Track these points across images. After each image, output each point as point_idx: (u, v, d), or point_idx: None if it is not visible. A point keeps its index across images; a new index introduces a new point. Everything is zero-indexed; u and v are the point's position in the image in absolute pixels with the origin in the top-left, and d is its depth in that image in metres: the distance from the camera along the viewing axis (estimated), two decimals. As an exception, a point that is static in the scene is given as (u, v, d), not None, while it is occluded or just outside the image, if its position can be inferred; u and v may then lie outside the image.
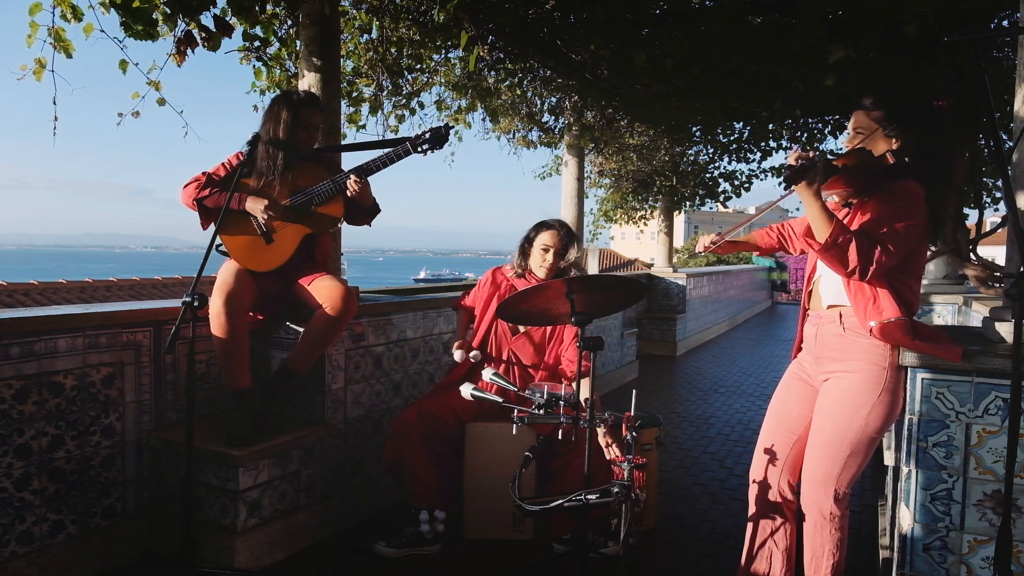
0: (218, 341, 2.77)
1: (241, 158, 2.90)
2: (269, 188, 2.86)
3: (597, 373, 2.30)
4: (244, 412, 2.80)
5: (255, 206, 2.81)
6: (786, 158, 1.92)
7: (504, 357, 3.09)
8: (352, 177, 2.84)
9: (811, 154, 1.87)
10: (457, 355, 3.01)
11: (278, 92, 2.95)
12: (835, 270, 1.97)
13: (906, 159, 2.00)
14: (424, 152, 2.85)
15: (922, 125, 2.01)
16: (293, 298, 2.97)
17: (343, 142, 3.92)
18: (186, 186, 2.89)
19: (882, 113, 2.05)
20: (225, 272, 2.82)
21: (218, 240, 2.80)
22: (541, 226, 3.04)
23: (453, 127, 2.85)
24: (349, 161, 3.42)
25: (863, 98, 2.10)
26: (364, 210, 3.04)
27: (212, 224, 2.90)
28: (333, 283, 2.88)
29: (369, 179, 2.90)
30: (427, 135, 2.83)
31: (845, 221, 2.05)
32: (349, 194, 2.86)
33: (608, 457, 2.48)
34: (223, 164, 2.94)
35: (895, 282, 1.99)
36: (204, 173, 2.90)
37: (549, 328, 3.08)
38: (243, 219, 2.86)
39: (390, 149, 2.87)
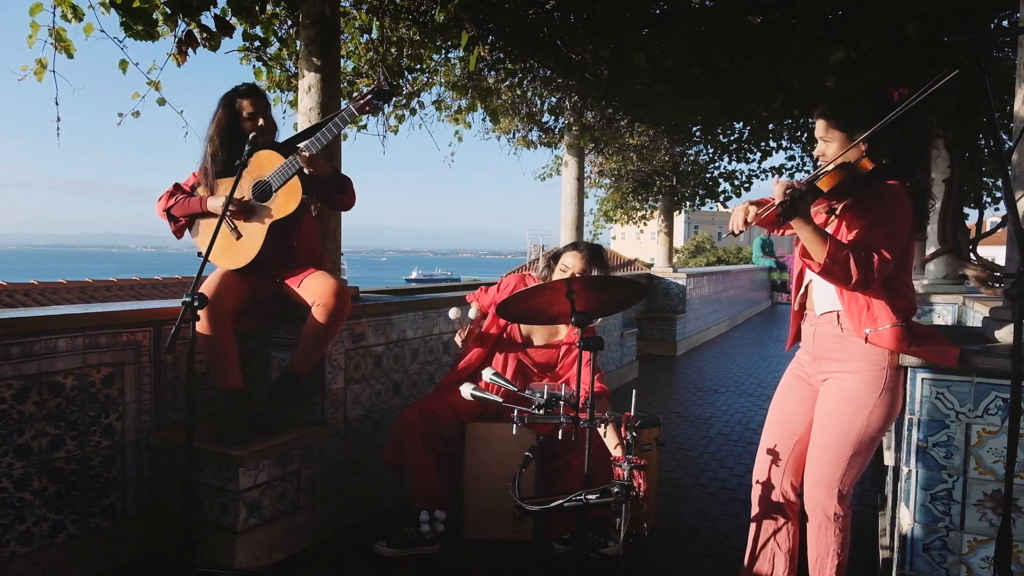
0: (203, 341, 2.77)
1: (207, 171, 2.91)
2: (220, 185, 2.89)
3: (599, 375, 2.30)
4: (237, 412, 2.80)
5: (215, 204, 2.84)
6: (773, 192, 1.92)
7: (511, 365, 3.08)
8: (301, 152, 2.78)
9: (796, 183, 1.89)
10: (452, 312, 2.98)
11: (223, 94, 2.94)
12: (837, 286, 1.97)
13: (883, 160, 1.99)
14: (372, 110, 2.82)
15: (877, 119, 1.97)
16: (287, 299, 2.97)
17: (344, 142, 3.91)
18: (159, 199, 2.96)
19: (840, 120, 2.03)
20: (212, 275, 2.86)
21: (200, 248, 2.87)
22: (571, 246, 3.06)
23: (398, 84, 2.82)
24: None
25: (821, 108, 2.08)
26: (329, 184, 2.96)
27: (187, 232, 2.97)
28: (324, 280, 2.87)
29: (354, 175, 2.95)
30: (368, 94, 2.80)
31: (831, 231, 2.05)
32: (306, 171, 2.81)
33: (613, 456, 2.48)
34: (194, 173, 2.98)
35: (893, 281, 1.99)
36: (174, 184, 2.95)
37: (562, 350, 3.08)
38: (212, 221, 2.84)
39: (334, 116, 2.82)
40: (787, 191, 1.86)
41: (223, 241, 2.89)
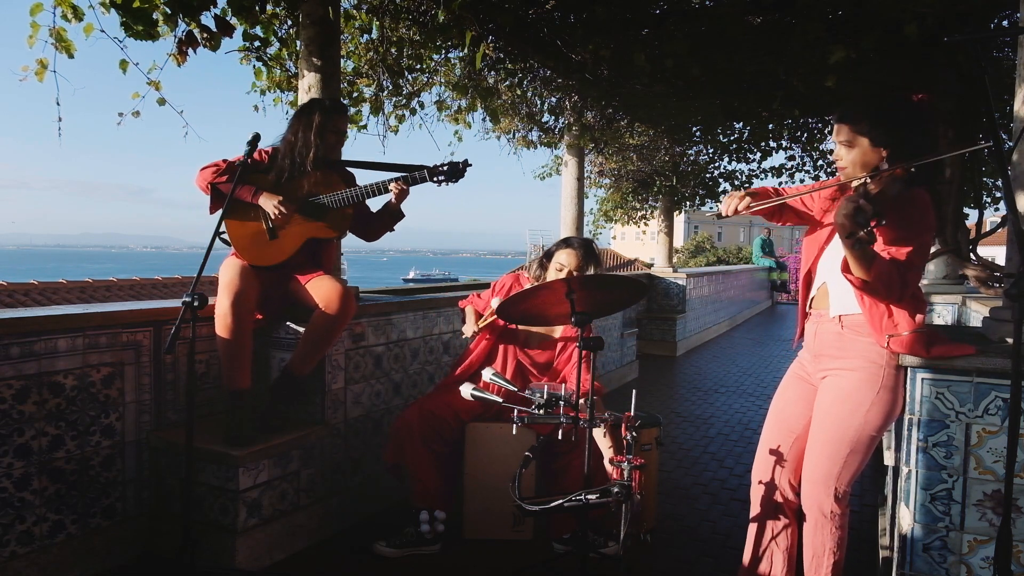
0: (222, 341, 2.77)
1: (265, 156, 2.95)
2: (289, 187, 2.90)
3: (597, 374, 2.30)
4: (244, 412, 2.80)
5: (268, 202, 2.84)
6: (843, 207, 1.77)
7: (510, 365, 3.09)
8: (396, 182, 2.91)
9: (861, 204, 1.75)
10: (468, 329, 3.06)
11: (309, 99, 3.02)
12: (874, 298, 1.97)
13: (911, 169, 1.97)
14: (438, 183, 2.90)
15: (905, 126, 1.98)
16: (292, 297, 2.97)
17: (345, 144, 3.93)
18: (204, 168, 2.91)
19: (865, 125, 1.99)
20: (231, 271, 2.80)
21: (222, 228, 2.82)
22: (563, 243, 3.03)
23: (470, 165, 2.90)
24: (361, 176, 3.45)
25: (842, 111, 2.04)
26: (390, 219, 3.10)
27: (219, 210, 2.91)
28: (331, 283, 2.88)
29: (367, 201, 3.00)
30: (445, 167, 2.89)
31: None
32: (393, 195, 2.94)
33: (606, 457, 2.49)
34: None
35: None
36: (224, 160, 2.92)
37: (559, 347, 3.08)
38: (252, 211, 2.90)
39: (407, 173, 2.93)
40: (857, 215, 1.72)
41: (254, 235, 2.91)
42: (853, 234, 1.74)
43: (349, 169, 3.15)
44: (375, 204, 3.14)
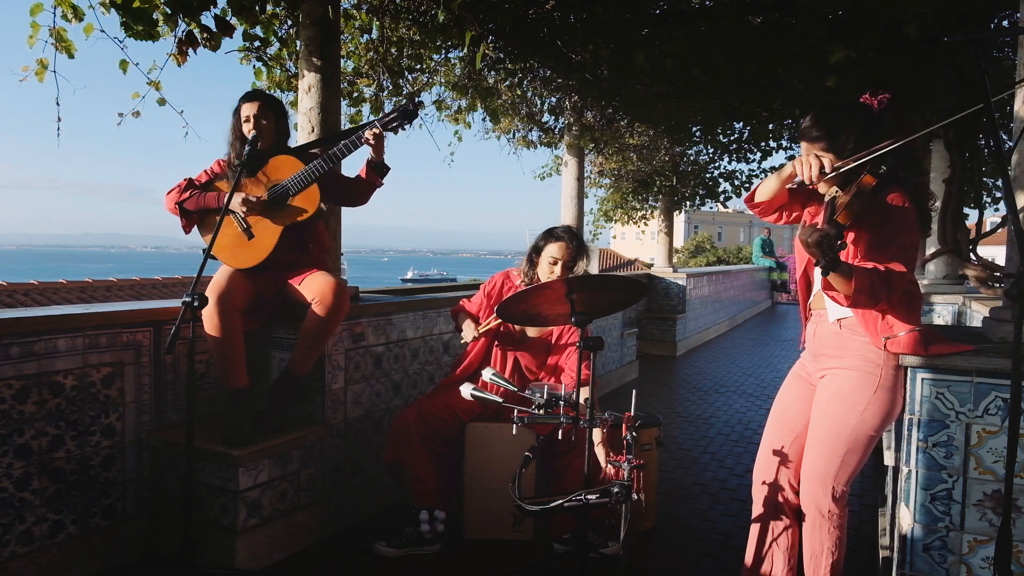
0: (212, 340, 2.78)
1: (222, 165, 2.94)
2: (242, 185, 2.88)
3: (597, 374, 2.30)
4: (243, 411, 2.80)
5: (234, 200, 2.83)
6: (803, 236, 1.80)
7: (508, 363, 3.09)
8: (371, 129, 2.82)
9: (823, 228, 1.79)
10: (467, 333, 3.03)
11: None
12: (863, 309, 1.96)
13: (880, 170, 1.96)
14: (395, 130, 2.85)
15: (864, 130, 1.97)
16: (289, 299, 2.97)
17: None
18: (169, 192, 2.94)
19: (826, 141, 1.99)
20: (218, 273, 2.85)
21: (204, 244, 2.84)
22: (549, 236, 2.98)
23: (422, 104, 2.84)
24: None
25: (800, 130, 2.04)
26: (374, 168, 2.97)
27: (195, 228, 2.96)
28: (323, 279, 2.88)
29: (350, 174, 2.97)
30: (394, 113, 2.83)
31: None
32: (371, 148, 2.86)
33: (601, 460, 2.48)
34: (205, 171, 2.99)
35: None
36: (186, 179, 2.94)
37: (554, 337, 3.08)
38: (224, 220, 2.86)
39: (358, 129, 2.87)
40: (822, 243, 1.74)
41: (234, 240, 2.89)
42: (820, 262, 1.76)
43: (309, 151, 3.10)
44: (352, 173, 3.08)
